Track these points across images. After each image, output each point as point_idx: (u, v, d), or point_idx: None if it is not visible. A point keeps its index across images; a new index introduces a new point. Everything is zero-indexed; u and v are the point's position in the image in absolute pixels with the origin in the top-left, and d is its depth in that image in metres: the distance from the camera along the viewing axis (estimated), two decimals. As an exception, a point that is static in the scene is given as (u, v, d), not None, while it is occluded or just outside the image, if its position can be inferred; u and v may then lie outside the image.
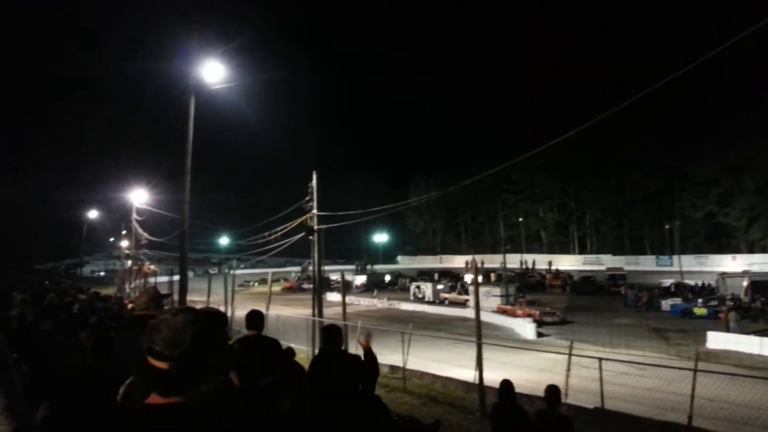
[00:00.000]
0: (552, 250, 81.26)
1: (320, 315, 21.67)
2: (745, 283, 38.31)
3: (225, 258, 64.38)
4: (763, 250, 61.54)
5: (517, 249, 78.57)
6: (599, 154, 71.12)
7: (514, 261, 70.23)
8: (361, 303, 46.96)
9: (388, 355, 15.89)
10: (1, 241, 57.84)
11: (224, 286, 26.72)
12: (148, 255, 46.38)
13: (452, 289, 48.55)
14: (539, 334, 30.67)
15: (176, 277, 19.27)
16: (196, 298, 30.12)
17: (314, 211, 23.34)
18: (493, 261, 67.27)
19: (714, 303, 36.17)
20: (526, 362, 19.72)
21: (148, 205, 39.17)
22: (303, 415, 4.22)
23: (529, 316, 34.55)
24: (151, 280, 43.35)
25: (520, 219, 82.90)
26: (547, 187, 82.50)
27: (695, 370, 12.33)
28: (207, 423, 1.68)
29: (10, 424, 2.41)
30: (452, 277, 58.38)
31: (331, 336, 5.28)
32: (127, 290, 43.79)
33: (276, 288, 53.52)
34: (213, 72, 16.43)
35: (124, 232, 53.60)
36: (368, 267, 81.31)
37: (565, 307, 41.11)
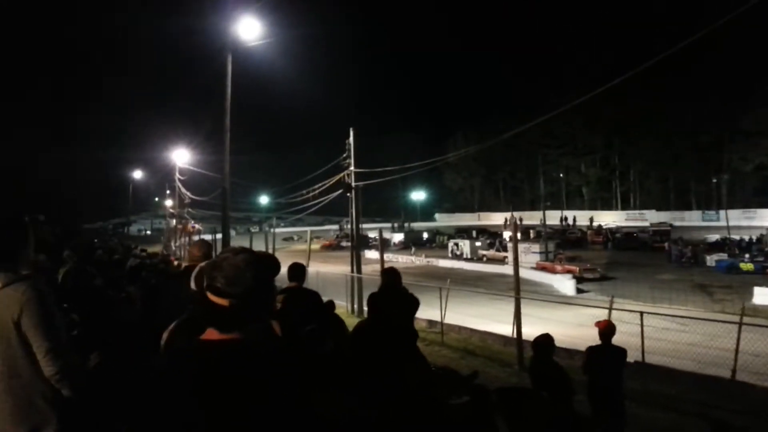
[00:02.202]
0: (594, 206, 79.78)
1: (359, 272, 22.00)
2: (796, 238, 37.03)
3: (265, 216, 65.45)
4: (819, 205, 59.19)
5: (557, 205, 77.42)
6: (645, 106, 68.46)
7: (554, 217, 69.38)
8: (399, 260, 47.31)
9: (426, 311, 16.07)
10: (52, 201, 60.14)
11: (265, 243, 27.28)
12: (192, 214, 47.59)
13: (491, 246, 48.39)
14: (579, 290, 30.44)
15: (219, 236, 19.75)
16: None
17: (351, 168, 23.43)
18: (532, 218, 66.64)
19: (761, 258, 35.17)
20: (565, 318, 19.65)
21: (191, 165, 39.98)
22: (343, 359, 4.37)
23: (568, 272, 34.28)
24: (195, 238, 44.66)
25: (561, 175, 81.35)
26: (589, 140, 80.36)
27: (740, 324, 12.12)
28: (262, 357, 1.76)
29: (54, 366, 2.57)
30: (491, 234, 58.09)
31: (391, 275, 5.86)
32: (173, 248, 45.21)
33: (315, 246, 54.43)
34: (249, 29, 16.35)
35: (168, 192, 54.99)
36: (406, 225, 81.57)
37: (606, 263, 40.55)
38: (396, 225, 79.75)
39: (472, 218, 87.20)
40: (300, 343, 4.90)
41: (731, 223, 53.38)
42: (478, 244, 50.05)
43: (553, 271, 35.68)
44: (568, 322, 19.28)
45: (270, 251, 26.22)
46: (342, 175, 23.84)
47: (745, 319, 16.68)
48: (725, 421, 9.08)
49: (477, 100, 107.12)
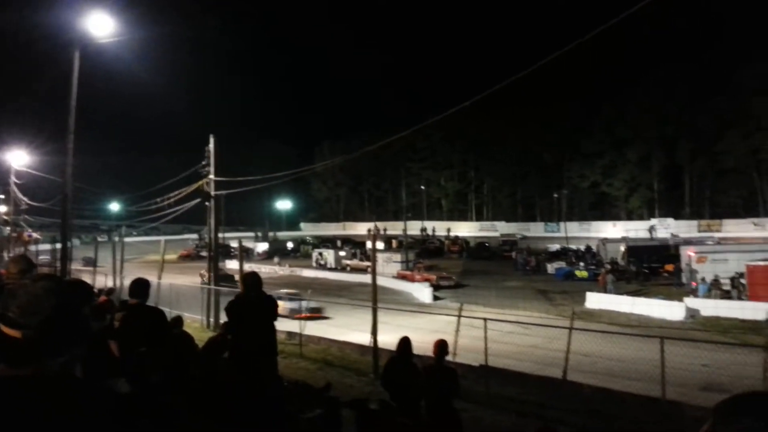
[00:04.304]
0: (451, 217, 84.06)
1: (216, 283, 21.20)
2: (622, 248, 41.72)
3: (116, 225, 60.92)
4: (640, 218, 67.13)
5: (418, 216, 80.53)
6: (499, 126, 74.18)
7: (415, 228, 72.07)
8: (262, 270, 46.22)
9: (286, 322, 15.89)
10: None
11: (113, 253, 25.35)
12: (29, 221, 43.07)
13: (354, 255, 49.07)
14: (435, 298, 31.84)
15: (60, 245, 18.01)
16: (82, 268, 28.46)
17: (211, 176, 22.60)
18: (395, 228, 68.68)
19: (594, 266, 39.14)
20: (421, 324, 20.39)
21: (30, 168, 36.16)
22: (177, 386, 4.16)
23: (426, 280, 35.73)
24: (32, 248, 40.32)
25: (422, 187, 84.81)
26: (448, 156, 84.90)
27: (570, 328, 13.36)
28: (59, 396, 1.60)
29: None
30: (354, 243, 58.98)
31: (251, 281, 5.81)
32: (5, 259, 40.49)
33: (172, 256, 51.65)
34: (100, 24, 15.18)
35: (1, 196, 49.21)
36: (271, 234, 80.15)
37: (461, 271, 42.86)
38: (260, 234, 78.05)
39: (337, 228, 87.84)
40: (133, 365, 4.61)
41: (570, 234, 58.99)
42: (342, 253, 50.54)
43: (413, 280, 36.98)
44: (423, 328, 19.98)
45: (118, 262, 24.47)
46: (201, 183, 22.91)
47: (578, 323, 18.51)
48: (560, 419, 9.92)
49: (345, 113, 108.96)
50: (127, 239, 38.64)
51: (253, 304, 5.67)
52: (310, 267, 49.04)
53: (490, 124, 72.92)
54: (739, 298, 26.27)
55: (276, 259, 54.28)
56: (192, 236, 72.35)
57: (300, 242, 69.01)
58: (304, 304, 22.32)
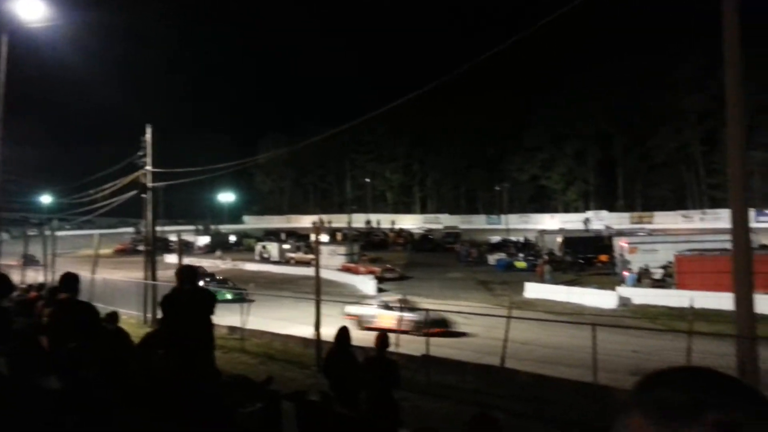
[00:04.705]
0: (396, 210, 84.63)
1: (154, 278, 20.63)
2: (559, 240, 43.13)
3: (47, 218, 58.17)
4: (576, 210, 69.54)
5: (363, 209, 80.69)
6: (443, 120, 75.12)
7: (360, 221, 72.21)
8: (204, 264, 45.31)
9: (226, 317, 15.66)
10: None
11: (43, 248, 24.28)
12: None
13: (298, 248, 48.72)
14: (380, 290, 32.02)
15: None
16: (10, 262, 27.11)
17: (148, 167, 21.94)
18: (340, 221, 68.58)
19: (532, 257, 40.30)
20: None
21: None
22: (111, 382, 4.06)
23: (370, 273, 35.90)
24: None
25: (367, 180, 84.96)
26: (393, 149, 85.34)
27: (508, 317, 13.76)
28: None
29: None
30: (299, 236, 58.55)
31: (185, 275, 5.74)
32: None
33: (107, 250, 49.89)
34: (30, 8, 14.43)
35: None
36: (212, 227, 78.47)
37: (405, 263, 43.28)
38: (201, 228, 76.30)
39: (281, 221, 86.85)
40: (64, 360, 4.48)
41: (510, 226, 60.47)
42: (286, 246, 50.08)
43: (357, 272, 37.07)
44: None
45: (49, 256, 23.45)
46: (137, 174, 22.20)
47: (517, 312, 19.07)
48: (497, 405, 10.22)
49: (290, 105, 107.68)
50: (59, 233, 36.98)
51: (188, 298, 5.58)
52: (253, 260, 48.35)
53: (435, 118, 73.74)
54: (661, 287, 27.74)
55: (218, 253, 53.28)
56: (129, 230, 70.05)
57: (243, 235, 67.89)
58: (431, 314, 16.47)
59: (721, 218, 42.60)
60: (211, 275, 32.68)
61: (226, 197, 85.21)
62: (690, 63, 55.48)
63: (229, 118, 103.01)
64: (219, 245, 58.73)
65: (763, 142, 53.72)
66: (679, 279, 26.70)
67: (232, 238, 65.74)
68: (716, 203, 56.76)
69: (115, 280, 23.09)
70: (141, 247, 50.46)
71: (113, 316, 8.69)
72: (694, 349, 10.84)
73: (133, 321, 18.55)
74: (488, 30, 68.89)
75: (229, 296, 21.74)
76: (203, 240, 62.89)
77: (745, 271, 9.00)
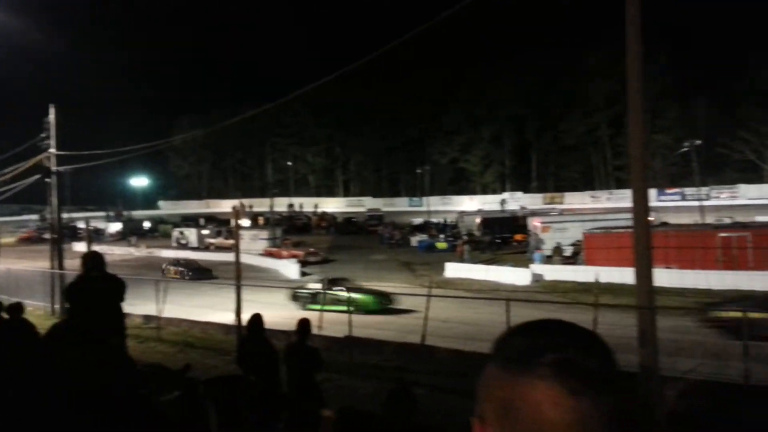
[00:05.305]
0: (319, 194, 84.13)
1: (61, 267, 19.52)
2: (478, 220, 44.47)
3: (-63, 206, 53.51)
4: (494, 192, 71.80)
5: (286, 193, 79.62)
6: (364, 103, 75.28)
7: (282, 204, 71.20)
8: (116, 252, 43.37)
9: (141, 305, 15.09)
10: None
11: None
12: None
13: (218, 234, 47.50)
14: (303, 274, 31.87)
15: None
16: None
17: (52, 149, 20.61)
18: (262, 205, 67.34)
19: (452, 238, 41.37)
20: (288, 301, 20.47)
21: None
22: (13, 375, 3.85)
23: (293, 257, 35.62)
24: None
25: (289, 163, 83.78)
26: (315, 132, 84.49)
27: (429, 296, 14.10)
28: None
29: None
30: (219, 222, 57.05)
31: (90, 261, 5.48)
32: None
33: (10, 239, 46.71)
34: None
35: None
36: (125, 213, 74.91)
37: (329, 247, 43.24)
38: (112, 214, 72.64)
39: (199, 206, 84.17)
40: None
41: (432, 208, 61.63)
42: (205, 232, 48.71)
43: (280, 257, 36.68)
44: (291, 305, 20.11)
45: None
46: (40, 157, 20.79)
47: (438, 291, 19.58)
48: (416, 381, 10.48)
49: (207, 85, 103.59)
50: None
51: (95, 285, 5.33)
52: (170, 247, 46.69)
53: (357, 100, 73.99)
54: (571, 263, 29.33)
55: (132, 240, 51.06)
56: (33, 217, 65.66)
57: (158, 221, 65.32)
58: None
59: (627, 198, 44.89)
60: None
61: (140, 182, 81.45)
62: (599, 51, 58.28)
63: (143, 99, 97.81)
64: (132, 232, 56.27)
65: (665, 126, 57.68)
66: (588, 255, 28.24)
67: (147, 225, 63.19)
68: (621, 184, 60.25)
69: (20, 270, 21.67)
70: (47, 236, 47.64)
71: (17, 308, 8.15)
72: (600, 321, 11.50)
73: (40, 312, 17.51)
74: (410, 12, 69.16)
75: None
76: (115, 227, 60.10)
77: (644, 246, 9.67)
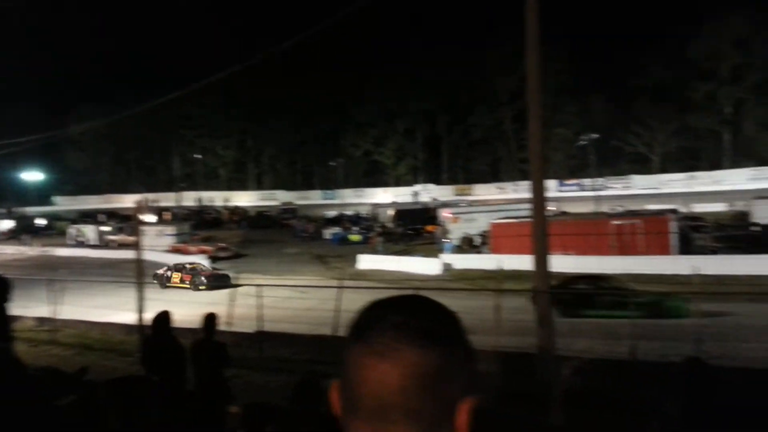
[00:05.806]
0: (230, 187, 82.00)
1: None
2: (391, 212, 45.05)
3: None
4: (407, 184, 73.01)
5: (194, 187, 76.96)
6: (277, 94, 73.89)
7: (191, 199, 68.84)
8: (7, 252, 40.36)
9: (34, 308, 14.15)
10: None
11: None
12: None
13: (120, 230, 45.18)
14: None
15: None
16: None
17: (-75, 141, 18.78)
18: (168, 199, 64.83)
19: (366, 230, 41.68)
20: (195, 298, 19.91)
21: None
22: None
23: (203, 252, 34.57)
24: None
25: (198, 156, 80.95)
26: (225, 124, 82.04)
27: (340, 288, 14.18)
28: None
29: None
30: (121, 218, 54.23)
31: None
32: None
33: None
34: None
35: None
36: (15, 210, 69.50)
37: (241, 241, 42.32)
38: (3, 211, 67.22)
39: (99, 201, 79.47)
40: None
41: (346, 201, 61.85)
42: (106, 228, 46.21)
43: (187, 253, 35.44)
44: (197, 301, 19.52)
45: None
46: None
47: (351, 283, 19.69)
48: (326, 372, 10.53)
49: (108, 73, 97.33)
50: None
51: None
52: (66, 245, 43.96)
53: (269, 91, 72.47)
54: (479, 252, 30.49)
55: (25, 238, 47.60)
56: None
57: (54, 218, 61.23)
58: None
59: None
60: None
61: (33, 176, 75.83)
62: (503, 48, 60.52)
63: (37, 86, 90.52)
64: (25, 230, 52.43)
65: (565, 120, 60.91)
66: (494, 244, 29.39)
67: (41, 222, 59.09)
68: (526, 175, 62.43)
69: None
70: (-77, 236, 43.41)
71: None
72: (504, 306, 12.03)
73: None
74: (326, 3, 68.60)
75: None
76: (6, 224, 55.76)
77: (541, 234, 10.26)
